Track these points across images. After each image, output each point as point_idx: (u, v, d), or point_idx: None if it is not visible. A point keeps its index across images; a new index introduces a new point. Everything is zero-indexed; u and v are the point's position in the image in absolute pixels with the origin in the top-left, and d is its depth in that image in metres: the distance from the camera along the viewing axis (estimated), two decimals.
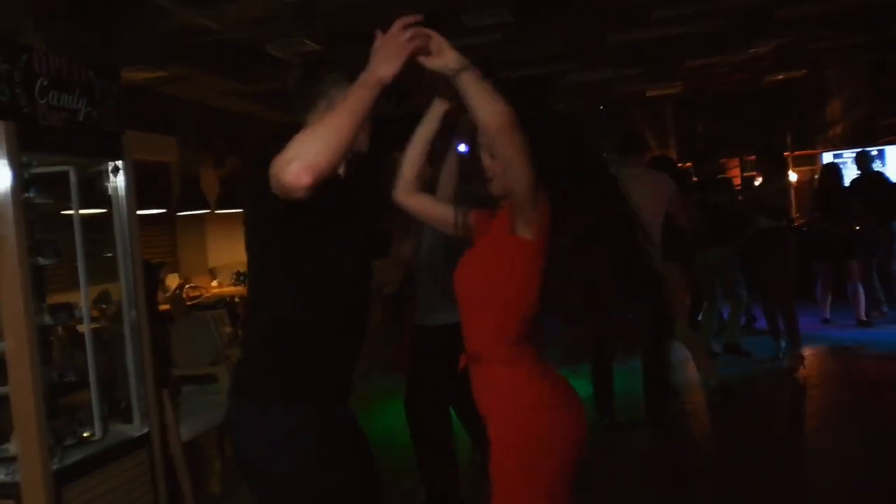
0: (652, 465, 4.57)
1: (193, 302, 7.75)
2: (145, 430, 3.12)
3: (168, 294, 7.34)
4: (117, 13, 5.33)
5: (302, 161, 1.45)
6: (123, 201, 2.99)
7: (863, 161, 7.86)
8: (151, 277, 5.10)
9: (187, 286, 8.05)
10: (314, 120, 1.81)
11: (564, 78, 8.63)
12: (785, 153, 6.99)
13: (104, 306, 3.61)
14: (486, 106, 1.65)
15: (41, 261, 2.63)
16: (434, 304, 3.51)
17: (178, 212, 8.15)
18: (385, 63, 1.55)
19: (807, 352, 6.22)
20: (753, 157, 9.30)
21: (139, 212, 3.13)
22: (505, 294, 1.89)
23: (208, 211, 8.45)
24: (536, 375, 1.92)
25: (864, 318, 7.46)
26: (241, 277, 8.68)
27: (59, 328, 3.31)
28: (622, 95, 10.19)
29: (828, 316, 7.62)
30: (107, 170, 2.98)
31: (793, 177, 10.89)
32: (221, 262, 9.31)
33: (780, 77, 10.18)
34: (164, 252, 8.26)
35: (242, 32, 6.20)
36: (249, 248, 1.92)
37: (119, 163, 2.94)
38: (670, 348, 5.33)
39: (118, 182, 2.97)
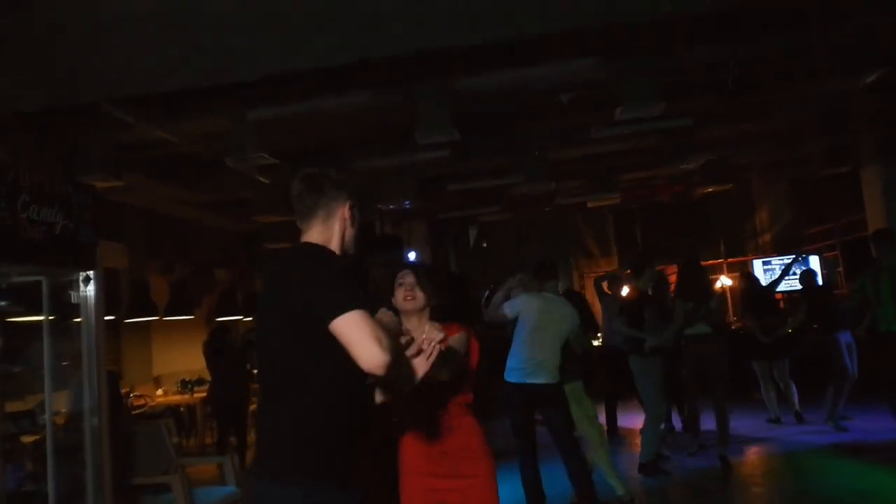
0: None
1: (138, 411, 7.60)
2: None
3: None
4: (77, 125, 5.49)
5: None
6: (92, 310, 3.07)
7: (809, 278, 7.95)
8: (115, 387, 5.06)
9: (132, 395, 7.90)
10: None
11: (509, 190, 9.05)
12: (701, 262, 7.26)
13: (58, 414, 3.60)
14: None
15: (14, 369, 2.67)
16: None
17: (127, 318, 8.08)
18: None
19: (752, 450, 6.39)
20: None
21: None
22: None
23: (156, 318, 8.41)
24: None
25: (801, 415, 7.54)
26: (188, 385, 8.55)
27: None
28: (565, 206, 10.67)
29: (775, 416, 7.64)
30: (77, 279, 3.06)
31: (727, 282, 11.44)
32: (167, 371, 9.15)
33: (711, 189, 10.83)
34: (109, 360, 8.11)
35: (200, 146, 6.41)
36: (274, 344, 2.06)
37: (91, 273, 3.04)
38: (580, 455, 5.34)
39: (89, 291, 3.06)
